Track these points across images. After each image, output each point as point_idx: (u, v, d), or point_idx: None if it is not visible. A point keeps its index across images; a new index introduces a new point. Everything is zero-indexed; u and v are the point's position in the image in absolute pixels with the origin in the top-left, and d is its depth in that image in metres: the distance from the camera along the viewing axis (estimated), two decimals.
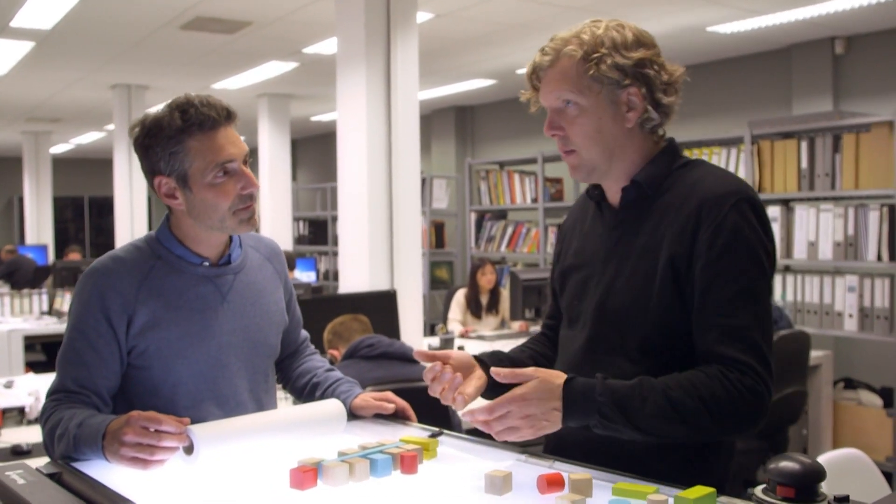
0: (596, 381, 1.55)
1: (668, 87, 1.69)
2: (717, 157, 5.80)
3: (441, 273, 9.42)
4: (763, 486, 1.30)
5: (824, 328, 5.18)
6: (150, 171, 1.91)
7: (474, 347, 5.15)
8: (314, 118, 12.26)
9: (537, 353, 1.94)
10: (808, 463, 1.26)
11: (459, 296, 6.74)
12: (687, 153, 5.86)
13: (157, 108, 1.89)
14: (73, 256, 9.65)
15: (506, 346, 5.40)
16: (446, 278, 9.54)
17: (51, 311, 7.87)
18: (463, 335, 5.95)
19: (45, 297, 8.00)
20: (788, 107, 7.41)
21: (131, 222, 9.63)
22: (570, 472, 1.50)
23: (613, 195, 1.77)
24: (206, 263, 1.97)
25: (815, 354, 4.88)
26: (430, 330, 7.69)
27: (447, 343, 5.17)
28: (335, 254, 10.65)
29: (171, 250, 1.95)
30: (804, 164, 5.29)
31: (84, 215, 18.07)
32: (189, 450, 1.61)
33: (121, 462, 1.60)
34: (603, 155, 1.70)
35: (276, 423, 1.75)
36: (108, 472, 1.60)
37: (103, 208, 17.88)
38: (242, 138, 1.96)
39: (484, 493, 1.47)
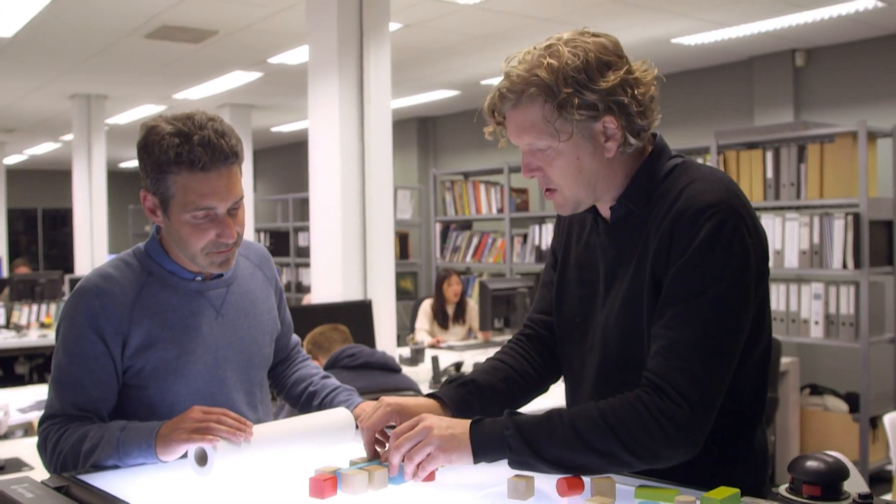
0: (505, 417, 1.51)
1: (644, 107, 1.56)
2: None
3: (405, 284, 9.40)
4: (787, 485, 1.31)
5: (790, 335, 5.26)
6: (141, 180, 1.85)
7: (445, 357, 5.15)
8: (275, 129, 12.19)
9: (514, 372, 1.79)
10: (832, 461, 1.28)
11: (426, 306, 6.74)
12: None
13: (160, 117, 1.81)
14: (22, 270, 9.47)
15: (475, 355, 5.34)
16: (411, 289, 9.52)
17: (8, 325, 7.72)
18: (433, 345, 5.94)
19: (1, 311, 7.85)
20: (750, 117, 7.53)
21: (91, 235, 9.48)
22: (591, 475, 1.50)
23: (605, 210, 1.68)
24: (199, 278, 1.93)
25: (782, 361, 4.96)
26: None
27: (418, 353, 5.15)
28: (297, 265, 10.59)
29: (163, 266, 1.91)
30: (769, 173, 5.38)
31: (37, 227, 17.77)
32: (202, 461, 1.59)
33: (177, 439, 1.64)
34: (586, 190, 1.61)
35: (288, 433, 1.73)
36: (116, 485, 1.57)
37: (57, 220, 17.61)
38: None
39: (506, 499, 1.46)
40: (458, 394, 1.71)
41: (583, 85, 1.51)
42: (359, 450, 1.70)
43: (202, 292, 1.93)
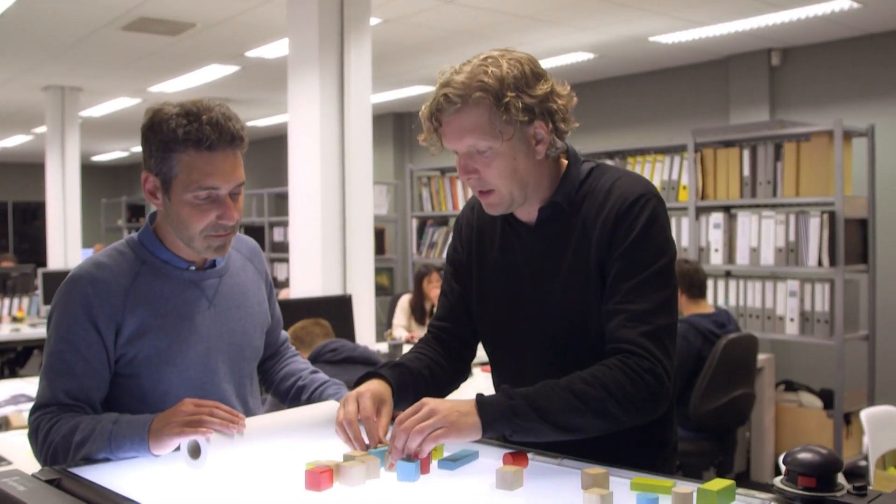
0: (502, 391, 1.61)
1: (567, 114, 1.74)
2: (661, 165, 5.91)
3: (381, 279, 9.37)
4: (781, 477, 1.33)
5: (766, 332, 5.31)
6: (143, 162, 1.87)
7: None
8: (250, 123, 12.12)
9: (434, 364, 1.90)
10: (826, 454, 1.30)
11: (404, 302, 6.76)
12: (630, 160, 6.01)
13: (165, 102, 1.83)
14: (6, 264, 9.36)
15: None
16: (387, 285, 9.51)
17: None
18: (409, 341, 5.94)
19: None
20: (726, 116, 7.59)
21: (64, 228, 9.37)
22: (582, 467, 1.51)
23: (526, 214, 1.81)
24: (193, 268, 1.93)
25: (758, 358, 5.00)
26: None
27: (396, 348, 5.16)
28: (273, 260, 10.54)
29: (157, 255, 1.91)
30: (746, 171, 5.43)
31: (7, 221, 17.55)
32: (195, 454, 1.58)
33: (170, 433, 1.63)
34: (519, 190, 1.74)
35: (279, 426, 1.73)
36: (108, 478, 1.56)
37: (27, 214, 17.41)
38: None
39: (495, 489, 1.48)
40: (395, 374, 1.78)
41: (522, 91, 1.67)
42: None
43: (196, 282, 1.92)
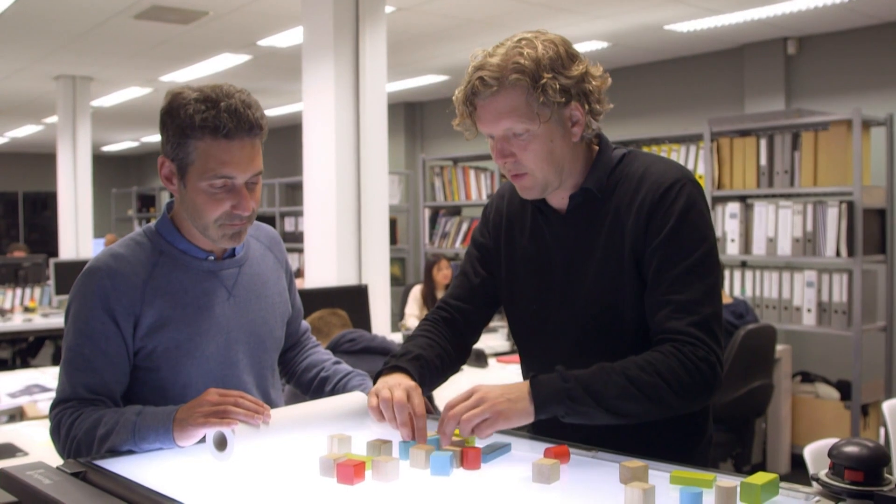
0: (557, 372, 1.60)
1: (601, 95, 1.72)
2: (676, 154, 5.87)
3: (393, 269, 9.35)
4: (826, 470, 1.29)
5: (783, 322, 5.27)
6: (161, 146, 1.83)
7: None
8: None
9: (444, 352, 1.86)
10: (874, 446, 1.26)
11: (416, 292, 6.76)
12: (645, 149, 5.97)
13: (186, 86, 1.79)
14: (18, 254, 9.39)
15: None
16: (399, 275, 9.49)
17: None
18: None
19: None
20: (741, 105, 7.53)
21: (76, 218, 9.36)
22: (619, 460, 1.48)
23: (558, 200, 1.80)
24: (212, 258, 1.90)
25: (775, 349, 4.96)
26: None
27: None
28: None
29: (175, 245, 1.87)
30: (763, 161, 5.38)
31: (18, 211, 17.57)
32: (221, 445, 1.56)
33: (194, 423, 1.60)
34: (555, 173, 1.72)
35: (306, 418, 1.70)
36: (133, 470, 1.54)
37: (38, 204, 17.43)
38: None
39: (531, 482, 1.45)
40: (414, 367, 1.75)
41: (558, 72, 1.64)
42: (376, 434, 1.67)
43: (214, 272, 1.89)
